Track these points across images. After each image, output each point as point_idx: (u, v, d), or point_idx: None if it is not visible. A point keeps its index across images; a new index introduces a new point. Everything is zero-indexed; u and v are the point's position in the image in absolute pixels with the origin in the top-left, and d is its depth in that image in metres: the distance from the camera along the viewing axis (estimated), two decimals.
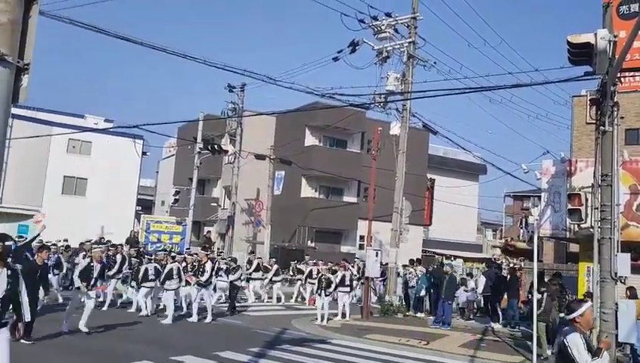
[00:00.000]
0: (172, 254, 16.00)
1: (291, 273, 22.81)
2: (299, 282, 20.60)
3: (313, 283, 17.30)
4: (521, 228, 29.74)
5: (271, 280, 19.36)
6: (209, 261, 14.55)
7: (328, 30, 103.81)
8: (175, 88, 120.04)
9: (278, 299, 19.18)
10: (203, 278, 13.90)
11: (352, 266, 19.87)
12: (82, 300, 11.21)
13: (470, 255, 32.62)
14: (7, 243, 6.85)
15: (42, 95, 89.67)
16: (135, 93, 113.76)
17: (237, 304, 16.30)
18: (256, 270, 19.11)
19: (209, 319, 13.78)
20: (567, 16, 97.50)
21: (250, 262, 19.78)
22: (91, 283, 11.20)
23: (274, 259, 21.07)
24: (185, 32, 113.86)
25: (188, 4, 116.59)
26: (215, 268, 15.20)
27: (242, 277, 17.39)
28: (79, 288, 11.23)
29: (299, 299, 19.96)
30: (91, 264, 11.37)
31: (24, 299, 6.39)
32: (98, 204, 29.91)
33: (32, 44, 2.80)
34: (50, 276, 13.16)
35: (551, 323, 12.48)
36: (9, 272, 5.94)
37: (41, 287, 9.92)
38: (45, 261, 11.06)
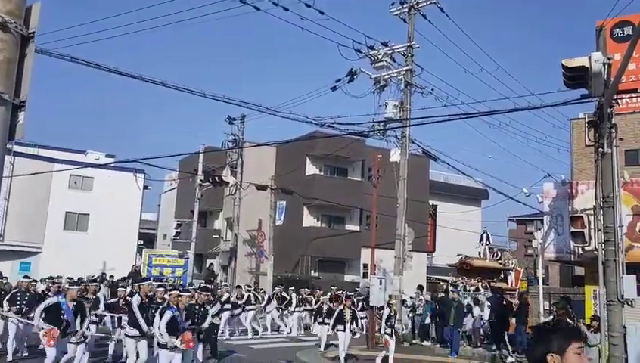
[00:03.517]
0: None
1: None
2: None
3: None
4: (482, 244, 28.43)
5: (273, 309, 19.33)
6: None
7: (325, 62, 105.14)
8: (175, 121, 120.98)
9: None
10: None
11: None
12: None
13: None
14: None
15: (43, 132, 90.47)
16: (136, 127, 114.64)
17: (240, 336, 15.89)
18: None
19: None
20: (563, 39, 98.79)
21: None
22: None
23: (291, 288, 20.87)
24: (182, 70, 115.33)
25: (186, 44, 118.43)
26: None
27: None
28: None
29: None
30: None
31: None
32: (100, 239, 29.83)
33: (27, 82, 2.82)
34: None
35: None
36: None
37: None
38: None
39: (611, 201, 9.66)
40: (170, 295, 9.78)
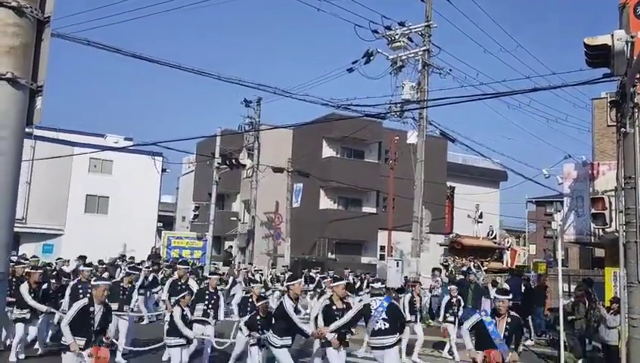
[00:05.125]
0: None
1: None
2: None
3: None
4: (475, 221, 27.20)
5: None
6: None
7: (342, 44, 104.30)
8: (192, 104, 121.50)
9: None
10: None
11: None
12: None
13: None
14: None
15: (62, 115, 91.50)
16: (154, 111, 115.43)
17: None
18: None
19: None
20: (585, 17, 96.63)
21: None
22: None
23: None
24: (200, 51, 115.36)
25: (202, 23, 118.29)
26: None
27: None
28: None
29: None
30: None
31: None
32: (120, 222, 30.26)
33: (44, 66, 2.84)
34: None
35: (578, 330, 12.25)
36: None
37: None
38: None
39: (633, 182, 9.47)
40: (337, 286, 8.22)
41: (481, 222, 26.65)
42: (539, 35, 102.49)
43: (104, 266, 17.67)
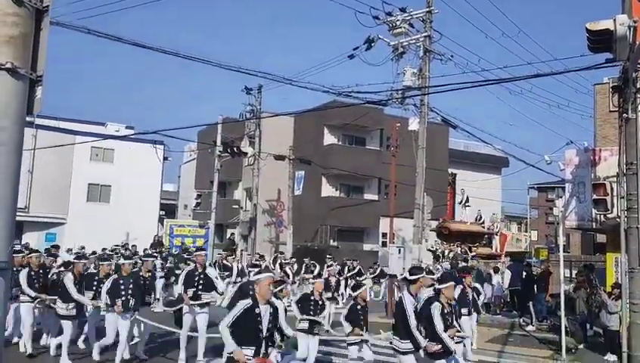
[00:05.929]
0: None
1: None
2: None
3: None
4: (461, 205, 26.56)
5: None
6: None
7: (342, 31, 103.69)
8: (192, 92, 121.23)
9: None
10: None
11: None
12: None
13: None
14: None
15: (63, 104, 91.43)
16: (154, 99, 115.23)
17: None
18: None
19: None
20: (587, 2, 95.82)
21: None
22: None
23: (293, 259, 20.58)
24: (199, 40, 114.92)
25: (199, 12, 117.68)
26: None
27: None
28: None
29: None
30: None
31: None
32: (122, 210, 30.34)
33: (44, 56, 2.84)
34: None
35: (579, 315, 12.31)
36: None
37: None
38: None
39: (635, 168, 9.47)
40: (446, 287, 7.04)
41: (469, 206, 26.28)
42: (541, 21, 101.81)
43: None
